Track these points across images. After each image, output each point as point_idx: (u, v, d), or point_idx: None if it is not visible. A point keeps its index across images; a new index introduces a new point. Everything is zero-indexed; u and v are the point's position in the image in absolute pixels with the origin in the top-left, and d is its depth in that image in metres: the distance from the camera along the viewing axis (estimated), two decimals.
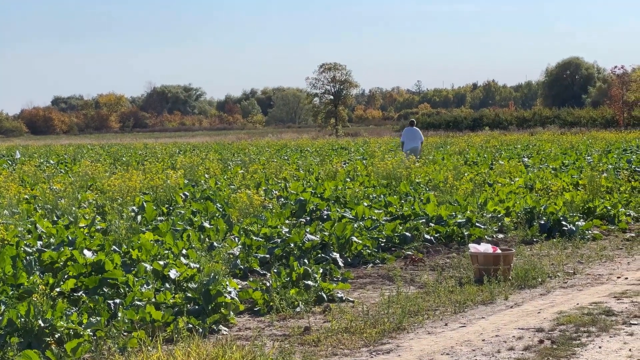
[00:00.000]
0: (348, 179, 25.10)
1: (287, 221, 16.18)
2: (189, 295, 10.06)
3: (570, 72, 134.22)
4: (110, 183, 20.41)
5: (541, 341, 8.80)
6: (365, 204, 18.08)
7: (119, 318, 9.16)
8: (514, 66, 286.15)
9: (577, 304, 10.61)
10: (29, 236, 13.54)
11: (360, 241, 14.21)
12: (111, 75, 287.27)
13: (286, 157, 41.39)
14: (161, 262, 11.21)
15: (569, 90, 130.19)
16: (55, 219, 16.19)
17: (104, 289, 10.28)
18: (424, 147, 37.49)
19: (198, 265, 11.34)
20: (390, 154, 34.61)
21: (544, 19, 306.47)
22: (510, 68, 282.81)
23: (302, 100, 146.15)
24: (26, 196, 19.72)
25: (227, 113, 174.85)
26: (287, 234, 14.37)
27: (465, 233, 15.54)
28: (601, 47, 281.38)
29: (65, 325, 8.64)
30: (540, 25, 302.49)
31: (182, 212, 17.16)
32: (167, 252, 12.34)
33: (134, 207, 17.28)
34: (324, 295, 11.05)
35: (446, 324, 9.76)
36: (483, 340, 8.97)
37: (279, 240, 14.06)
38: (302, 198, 18.17)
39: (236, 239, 14.47)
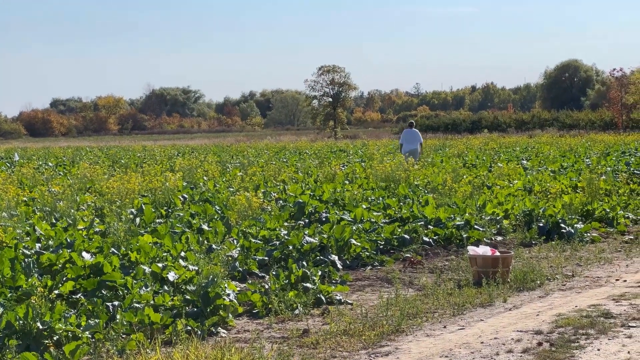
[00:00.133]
0: (347, 182, 25.10)
1: (285, 223, 16.18)
2: (188, 297, 10.05)
3: (569, 74, 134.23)
4: (109, 185, 20.40)
5: (540, 344, 8.80)
6: (364, 206, 18.08)
7: (117, 320, 9.15)
8: (513, 69, 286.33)
9: (576, 306, 10.60)
10: (28, 238, 13.53)
11: (358, 244, 14.21)
12: (110, 77, 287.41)
13: (285, 160, 41.39)
14: (160, 265, 11.21)
15: (568, 92, 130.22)
16: (54, 221, 16.19)
17: (103, 291, 10.27)
18: (424, 149, 37.52)
19: (197, 268, 11.34)
20: (389, 157, 34.60)
21: (542, 22, 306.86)
22: (509, 70, 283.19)
23: (300, 102, 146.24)
24: (25, 198, 19.72)
25: (226, 115, 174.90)
26: (286, 237, 14.37)
27: (464, 235, 15.54)
28: (600, 50, 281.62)
29: (63, 327, 8.64)
30: (539, 27, 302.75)
31: (181, 214, 17.15)
32: (165, 254, 12.34)
33: (133, 210, 17.28)
34: (323, 298, 11.05)
35: (445, 327, 9.76)
36: (482, 342, 8.97)
37: (277, 242, 14.06)
38: (300, 200, 18.17)
39: (235, 241, 14.46)
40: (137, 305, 9.70)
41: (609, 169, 28.29)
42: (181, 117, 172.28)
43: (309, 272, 11.52)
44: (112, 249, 12.29)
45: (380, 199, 19.86)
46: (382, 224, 16.13)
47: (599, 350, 8.54)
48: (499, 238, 16.21)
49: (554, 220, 16.59)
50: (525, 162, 34.09)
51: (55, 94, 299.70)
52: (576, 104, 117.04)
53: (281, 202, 19.64)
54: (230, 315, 10.04)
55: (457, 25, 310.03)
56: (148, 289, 10.28)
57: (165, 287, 10.64)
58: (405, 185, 22.55)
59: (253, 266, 12.89)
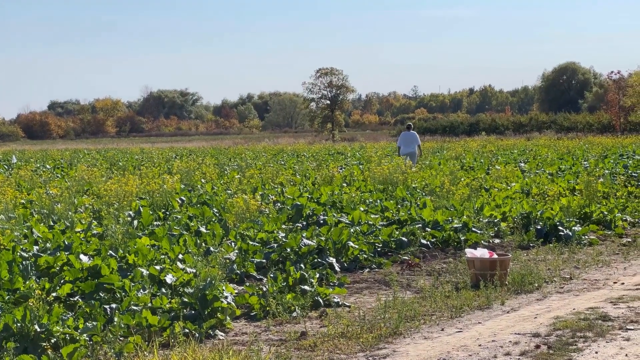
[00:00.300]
0: (344, 184, 25.11)
1: (283, 226, 16.18)
2: (186, 300, 10.05)
3: (566, 77, 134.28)
4: (107, 188, 20.39)
5: (538, 346, 8.80)
6: (362, 208, 18.08)
7: (115, 323, 9.15)
8: (511, 71, 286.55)
9: (574, 309, 10.61)
10: (25, 241, 13.53)
11: (356, 246, 14.20)
12: (108, 79, 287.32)
13: (283, 162, 41.40)
14: (157, 267, 11.20)
15: (566, 95, 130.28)
16: (52, 223, 16.19)
17: (100, 294, 10.27)
18: (422, 151, 37.53)
19: (194, 270, 11.34)
20: (386, 159, 34.61)
21: (540, 24, 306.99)
22: (507, 73, 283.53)
23: (298, 105, 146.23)
24: (22, 201, 19.70)
25: (224, 118, 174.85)
26: (284, 239, 14.36)
27: (462, 238, 15.54)
28: (598, 53, 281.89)
29: (61, 330, 8.63)
30: (536, 30, 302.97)
31: (179, 217, 17.15)
32: (163, 257, 12.33)
33: (131, 212, 17.27)
34: (321, 300, 11.05)
35: (443, 329, 9.76)
36: (479, 345, 8.97)
37: (275, 245, 14.06)
38: (298, 203, 18.17)
39: (232, 243, 14.46)
40: (134, 307, 9.69)
41: (606, 171, 28.30)
42: (179, 119, 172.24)
43: (306, 275, 11.52)
44: (110, 251, 12.28)
45: (378, 201, 19.86)
46: (379, 227, 16.13)
47: (596, 353, 8.54)
48: (497, 240, 16.21)
49: (551, 222, 16.59)
50: (523, 164, 34.11)
51: (53, 96, 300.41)
52: (574, 106, 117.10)
53: (279, 204, 19.63)
54: (228, 317, 10.03)
55: (455, 28, 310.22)
56: (146, 292, 10.28)
57: (163, 290, 10.64)
58: (403, 188, 22.55)
59: (251, 269, 12.88)
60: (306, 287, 11.16)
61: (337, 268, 13.35)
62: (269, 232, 15.18)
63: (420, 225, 16.23)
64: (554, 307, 10.83)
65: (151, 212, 17.33)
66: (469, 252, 12.59)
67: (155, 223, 16.45)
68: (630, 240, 16.55)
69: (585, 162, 33.84)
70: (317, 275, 11.84)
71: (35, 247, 12.64)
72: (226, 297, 10.17)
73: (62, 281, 10.70)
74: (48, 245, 12.90)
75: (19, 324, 8.55)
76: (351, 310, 10.85)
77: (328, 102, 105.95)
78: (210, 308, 9.88)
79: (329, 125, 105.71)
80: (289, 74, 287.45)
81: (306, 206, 17.96)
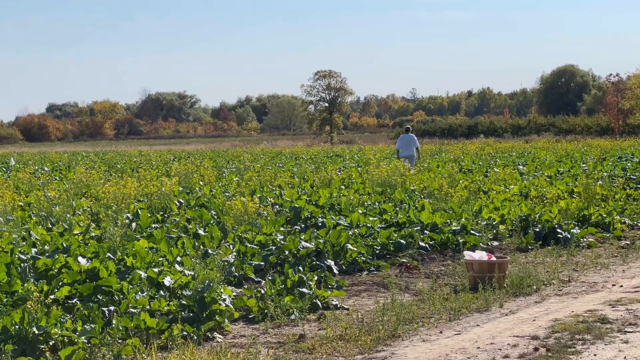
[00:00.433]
0: (343, 187, 25.11)
1: (281, 228, 16.17)
2: (184, 302, 10.04)
3: (565, 79, 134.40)
4: (105, 190, 20.36)
5: (536, 349, 8.80)
6: (360, 211, 18.07)
7: (113, 325, 9.14)
8: (509, 74, 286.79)
9: (572, 311, 10.60)
10: (24, 243, 13.50)
11: (355, 248, 14.19)
12: (106, 82, 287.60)
13: (281, 165, 41.39)
14: (156, 270, 11.19)
15: (564, 97, 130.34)
16: (50, 226, 16.17)
17: (99, 296, 10.25)
18: (421, 154, 37.52)
19: (193, 273, 11.32)
20: (385, 162, 34.61)
21: (539, 27, 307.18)
22: (505, 75, 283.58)
23: (297, 107, 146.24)
24: (21, 203, 19.68)
25: (222, 120, 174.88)
26: (282, 242, 14.36)
27: (460, 240, 15.54)
28: (596, 55, 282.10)
29: (59, 332, 8.62)
30: (535, 32, 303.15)
31: (177, 219, 17.14)
32: (161, 259, 12.32)
33: (129, 215, 17.25)
34: (319, 303, 11.04)
35: (441, 332, 9.75)
36: (478, 347, 8.97)
37: (273, 247, 14.05)
38: (296, 205, 18.16)
39: (231, 246, 14.45)
40: (133, 310, 9.68)
41: (605, 174, 28.33)
42: (177, 122, 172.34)
43: (305, 277, 11.51)
44: (108, 253, 12.27)
45: (377, 204, 19.85)
46: (378, 229, 16.12)
47: (595, 355, 8.53)
48: (495, 243, 16.20)
49: (550, 225, 16.59)
50: (521, 167, 34.12)
51: (52, 98, 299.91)
52: (572, 109, 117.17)
53: (277, 207, 19.63)
54: (226, 320, 10.03)
55: (453, 30, 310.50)
56: (144, 294, 10.27)
57: (161, 292, 10.63)
58: (402, 190, 22.54)
59: (249, 271, 12.87)
60: (304, 290, 11.16)
61: (335, 271, 13.34)
62: (268, 234, 15.17)
63: (418, 227, 16.23)
64: (552, 309, 10.83)
65: (149, 215, 17.32)
66: (468, 255, 12.59)
67: (153, 225, 16.43)
68: (628, 242, 16.55)
69: (583, 165, 33.86)
70: (316, 278, 11.82)
71: (34, 250, 12.63)
72: (224, 300, 10.17)
73: (60, 283, 10.69)
74: (46, 247, 12.89)
75: (17, 327, 8.54)
76: (349, 312, 10.84)
77: (326, 104, 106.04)
78: (208, 310, 9.87)
79: (328, 127, 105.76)
80: (288, 76, 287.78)
81: (304, 209, 17.95)
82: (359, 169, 34.05)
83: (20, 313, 8.64)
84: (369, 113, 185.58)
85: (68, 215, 17.36)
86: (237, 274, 12.68)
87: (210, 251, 13.69)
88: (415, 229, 15.99)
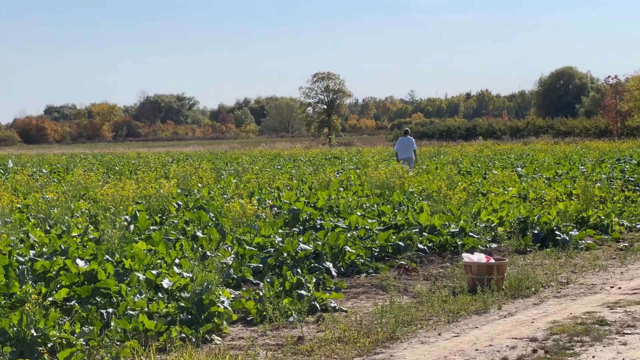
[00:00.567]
0: (341, 189, 25.10)
1: (280, 230, 16.16)
2: (182, 304, 10.03)
3: (563, 81, 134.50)
4: (103, 192, 20.36)
5: (535, 351, 8.79)
6: (359, 213, 18.07)
7: (111, 327, 9.14)
8: (508, 76, 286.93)
9: (571, 313, 10.60)
10: (22, 245, 13.50)
11: (353, 251, 14.19)
12: (104, 84, 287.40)
13: (279, 167, 41.39)
14: (154, 272, 11.18)
15: (563, 100, 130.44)
16: (48, 228, 16.16)
17: (97, 299, 10.25)
18: (418, 157, 37.54)
19: (191, 275, 11.32)
20: (383, 164, 34.62)
21: (537, 29, 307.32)
22: (504, 78, 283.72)
23: (295, 109, 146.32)
24: (19, 205, 19.67)
25: (220, 122, 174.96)
26: (280, 244, 14.35)
27: (459, 242, 15.53)
28: (595, 57, 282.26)
29: (57, 334, 8.61)
30: (533, 34, 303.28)
31: (175, 221, 17.13)
32: (160, 261, 12.32)
33: (127, 217, 17.24)
34: (317, 305, 11.04)
35: (440, 334, 9.75)
36: (476, 350, 8.97)
37: (272, 249, 14.04)
38: (295, 207, 18.16)
39: (229, 248, 14.44)
40: (131, 312, 9.68)
41: (603, 176, 28.33)
42: (175, 124, 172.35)
43: (303, 280, 11.51)
44: (107, 256, 12.26)
45: (375, 206, 19.86)
46: (376, 231, 16.12)
47: (593, 357, 8.54)
48: (494, 245, 16.21)
49: (548, 227, 16.59)
50: (520, 169, 34.13)
51: (49, 100, 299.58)
52: (571, 111, 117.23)
53: (276, 209, 19.62)
54: (224, 322, 10.02)
55: (451, 32, 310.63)
56: (142, 296, 10.26)
57: (160, 294, 10.62)
58: (400, 193, 22.54)
59: (247, 273, 12.86)
60: (303, 292, 11.15)
61: (334, 273, 13.33)
62: (266, 236, 15.17)
63: (417, 229, 16.22)
64: (551, 311, 10.83)
65: (148, 217, 17.31)
66: (466, 257, 12.59)
67: (151, 228, 16.42)
68: (627, 244, 16.55)
69: (582, 167, 33.87)
70: (314, 280, 11.82)
71: (32, 252, 12.62)
72: (223, 302, 10.16)
73: (58, 286, 10.68)
74: (44, 249, 12.88)
75: (15, 329, 8.53)
76: (348, 315, 10.83)
77: (325, 106, 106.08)
78: (207, 313, 9.87)
79: (326, 129, 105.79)
80: (286, 78, 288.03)
81: (303, 211, 17.95)
82: (358, 171, 34.05)
83: (18, 315, 8.63)
84: (367, 115, 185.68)
85: (66, 217, 17.36)
86: (235, 276, 12.67)
87: (208, 253, 13.69)
88: (413, 231, 15.99)
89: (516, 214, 17.94)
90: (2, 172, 40.61)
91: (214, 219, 17.52)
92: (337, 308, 11.13)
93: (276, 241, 14.60)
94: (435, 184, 24.18)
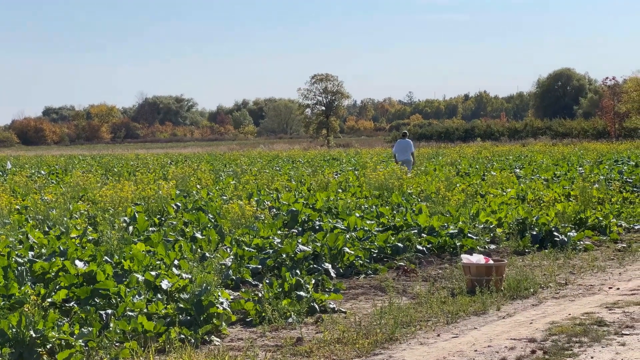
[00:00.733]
0: (340, 190, 25.10)
1: (279, 232, 16.16)
2: (181, 305, 10.04)
3: (561, 83, 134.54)
4: (102, 194, 20.37)
5: (533, 351, 8.80)
6: (357, 214, 18.07)
7: (110, 329, 9.14)
8: (506, 77, 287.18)
9: (569, 314, 10.61)
10: (21, 247, 13.50)
11: (352, 252, 14.19)
12: (103, 85, 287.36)
13: (278, 168, 41.41)
14: (153, 273, 11.19)
15: (561, 101, 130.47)
16: (47, 229, 16.16)
17: (96, 300, 10.25)
18: (416, 158, 37.52)
19: (190, 276, 11.32)
20: (382, 165, 34.63)
21: (535, 30, 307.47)
22: (502, 79, 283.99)
23: (293, 111, 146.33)
24: (17, 207, 19.69)
25: (219, 124, 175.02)
26: (279, 245, 14.36)
27: (458, 244, 15.54)
28: (593, 59, 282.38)
29: (56, 335, 8.62)
30: (532, 36, 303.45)
31: (174, 222, 17.13)
32: (159, 262, 12.32)
33: (126, 218, 17.25)
34: (316, 306, 11.04)
35: (438, 335, 9.76)
36: (475, 350, 8.97)
37: (271, 250, 14.04)
38: (294, 209, 18.16)
39: (228, 249, 14.45)
40: (130, 313, 9.68)
41: (601, 177, 28.35)
42: (174, 125, 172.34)
43: (302, 281, 11.51)
44: (105, 257, 12.26)
45: (374, 207, 19.86)
46: (375, 233, 16.12)
47: (592, 358, 8.54)
48: (493, 246, 16.21)
49: (547, 228, 16.60)
50: (518, 170, 34.15)
51: (48, 102, 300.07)
52: (569, 112, 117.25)
53: (274, 210, 19.63)
54: (223, 323, 10.03)
55: (450, 34, 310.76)
56: (141, 297, 10.26)
57: (159, 296, 10.63)
58: (399, 194, 22.56)
59: (246, 274, 12.87)
60: (302, 293, 11.16)
61: (332, 274, 13.33)
62: (265, 238, 15.17)
63: (416, 231, 16.23)
64: (549, 312, 10.84)
65: (147, 218, 17.31)
66: (465, 258, 12.60)
67: (150, 229, 16.42)
68: (625, 245, 16.56)
69: (580, 168, 33.88)
70: (313, 281, 11.83)
71: (31, 253, 12.62)
72: (222, 303, 10.17)
73: (57, 287, 10.69)
74: (43, 251, 12.88)
75: (14, 330, 8.53)
76: (347, 316, 10.84)
77: (323, 108, 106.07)
78: (206, 314, 9.87)
79: (324, 131, 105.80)
80: (284, 80, 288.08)
81: (302, 212, 17.96)
82: (356, 172, 34.06)
83: (17, 316, 8.64)
84: (365, 116, 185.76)
85: (65, 218, 17.36)
86: (234, 277, 12.68)
87: (207, 254, 13.69)
88: (412, 232, 16.00)
89: (515, 215, 17.95)
90: (1, 173, 40.60)
91: (212, 220, 17.53)
92: (336, 309, 11.14)
93: (275, 242, 14.60)
94: (433, 185, 24.19)
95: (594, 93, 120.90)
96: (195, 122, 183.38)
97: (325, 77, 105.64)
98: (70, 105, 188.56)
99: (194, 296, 10.03)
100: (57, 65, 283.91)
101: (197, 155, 68.22)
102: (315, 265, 13.30)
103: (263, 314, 10.52)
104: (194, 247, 14.25)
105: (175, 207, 20.02)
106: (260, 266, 13.34)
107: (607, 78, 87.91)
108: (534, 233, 16.48)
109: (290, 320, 10.47)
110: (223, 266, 12.95)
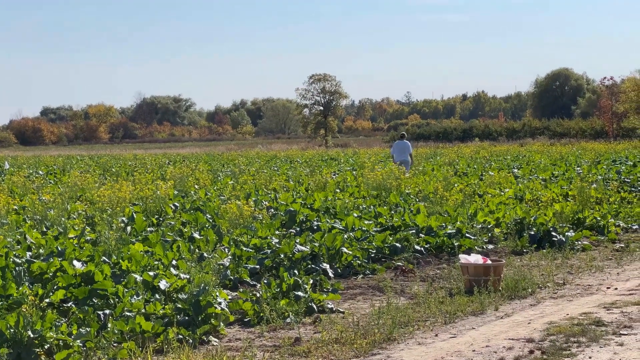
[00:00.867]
0: (338, 190, 25.10)
1: (277, 232, 16.17)
2: (179, 306, 10.04)
3: (559, 83, 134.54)
4: (100, 194, 20.36)
5: (531, 351, 8.80)
6: (355, 214, 18.08)
7: (108, 329, 9.14)
8: (504, 77, 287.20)
9: (567, 314, 10.61)
10: (18, 247, 13.50)
11: (350, 252, 14.20)
12: (100, 85, 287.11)
13: (276, 168, 41.40)
14: (151, 273, 11.18)
15: (559, 101, 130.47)
16: (45, 229, 16.15)
17: (94, 300, 10.25)
18: (414, 158, 37.53)
19: (188, 276, 11.32)
20: (380, 165, 34.63)
21: (533, 30, 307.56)
22: (500, 79, 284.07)
23: (291, 111, 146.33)
24: (15, 207, 19.67)
25: (217, 124, 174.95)
26: (277, 245, 14.35)
27: (456, 244, 15.54)
28: (591, 59, 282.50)
29: (54, 336, 8.61)
30: (530, 36, 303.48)
31: (172, 223, 17.13)
32: (157, 263, 12.32)
33: (124, 218, 17.24)
34: (314, 306, 11.04)
35: (436, 335, 9.76)
36: (473, 350, 8.97)
37: (269, 251, 14.04)
38: (292, 209, 18.16)
39: (226, 249, 14.45)
40: (128, 313, 9.68)
41: (599, 177, 28.36)
42: (172, 125, 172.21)
43: (300, 281, 11.51)
44: (103, 257, 12.26)
45: (372, 207, 19.87)
46: (373, 233, 16.12)
47: (590, 358, 8.55)
48: (491, 246, 16.22)
49: (545, 228, 16.61)
50: (516, 170, 34.15)
51: (46, 102, 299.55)
52: (567, 112, 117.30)
53: (272, 210, 19.63)
54: (221, 323, 10.02)
55: (448, 34, 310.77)
56: (139, 298, 10.26)
57: (157, 296, 10.62)
58: (397, 194, 22.56)
59: (244, 274, 12.87)
60: (300, 293, 11.16)
61: (330, 274, 13.34)
62: (263, 238, 15.17)
63: (413, 231, 16.23)
64: (547, 312, 10.84)
65: (145, 218, 17.30)
66: (463, 258, 12.60)
67: (148, 229, 16.42)
68: (623, 245, 16.57)
69: (578, 168, 33.90)
70: (311, 281, 11.83)
71: (28, 253, 12.62)
72: (220, 303, 10.17)
73: (55, 287, 10.68)
74: (41, 251, 12.88)
75: (12, 330, 8.53)
76: (345, 316, 10.84)
77: (321, 108, 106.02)
78: (203, 314, 9.87)
79: (322, 131, 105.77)
80: (283, 80, 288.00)
81: (300, 212, 17.96)
82: (354, 172, 34.05)
83: (15, 317, 8.63)
84: (363, 116, 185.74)
85: (63, 218, 17.36)
86: (232, 277, 12.68)
87: (205, 255, 13.69)
88: (410, 232, 16.00)
89: (513, 215, 17.96)
90: None
91: (210, 220, 17.52)
92: (334, 309, 11.14)
93: (273, 242, 14.60)
94: (431, 185, 24.19)
95: (592, 93, 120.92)
96: (193, 122, 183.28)
97: (323, 77, 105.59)
98: (68, 106, 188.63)
99: (192, 296, 10.03)
100: (55, 65, 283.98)
101: (195, 156, 68.21)
102: (313, 266, 13.31)
103: (261, 314, 10.52)
104: (192, 247, 14.25)
105: (173, 207, 20.02)
106: (258, 266, 13.35)
107: (605, 78, 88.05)
108: (532, 233, 16.49)
109: (288, 320, 10.47)
110: (221, 266, 12.95)
